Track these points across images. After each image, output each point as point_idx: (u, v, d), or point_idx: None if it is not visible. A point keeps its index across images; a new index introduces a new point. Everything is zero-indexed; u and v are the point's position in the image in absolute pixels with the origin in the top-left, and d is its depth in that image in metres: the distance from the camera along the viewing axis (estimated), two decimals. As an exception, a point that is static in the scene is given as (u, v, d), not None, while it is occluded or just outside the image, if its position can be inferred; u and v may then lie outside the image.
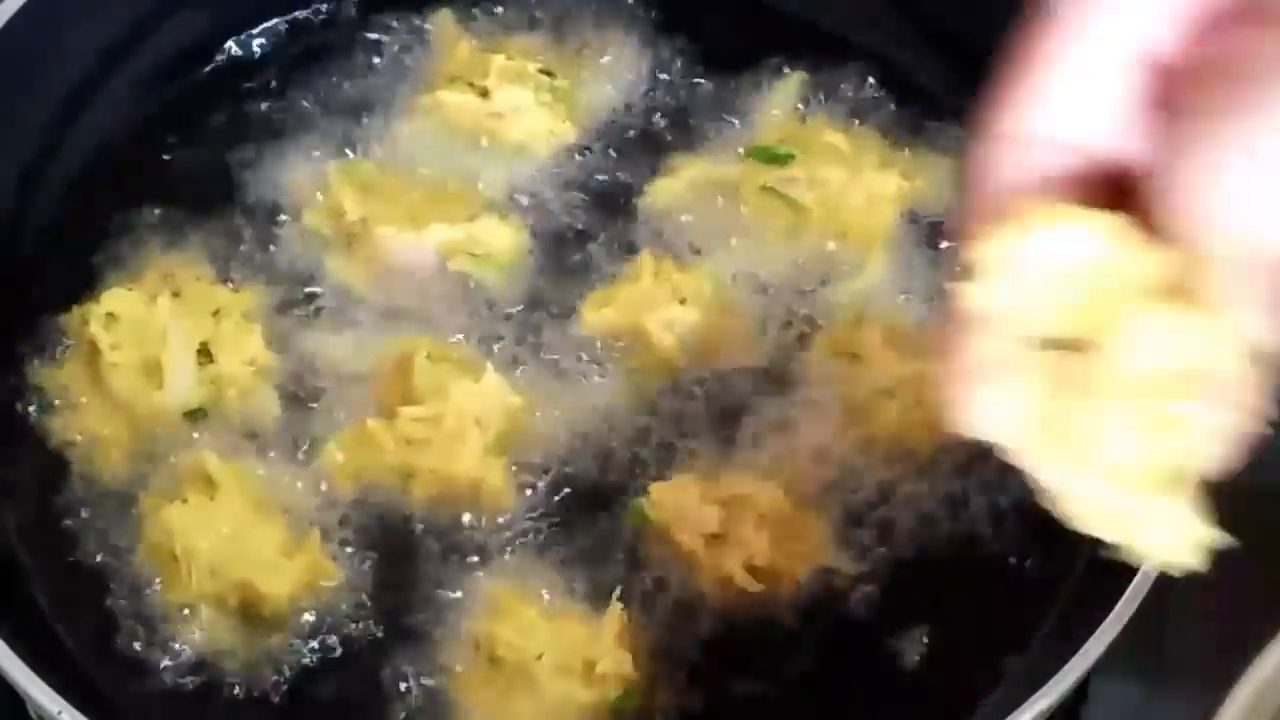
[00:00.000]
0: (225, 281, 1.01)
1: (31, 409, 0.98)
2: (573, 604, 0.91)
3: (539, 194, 1.05)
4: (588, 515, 0.94)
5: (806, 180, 1.01)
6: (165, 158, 1.07)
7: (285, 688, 0.90)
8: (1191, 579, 0.59)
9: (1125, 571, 0.83)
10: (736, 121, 1.06)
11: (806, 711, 0.90)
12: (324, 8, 1.12)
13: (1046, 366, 0.55)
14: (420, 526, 0.94)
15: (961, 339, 0.54)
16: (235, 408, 0.97)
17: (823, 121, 1.05)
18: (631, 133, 1.07)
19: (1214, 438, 0.55)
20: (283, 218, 1.04)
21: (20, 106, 1.03)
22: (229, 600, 0.91)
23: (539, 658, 0.87)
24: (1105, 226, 0.54)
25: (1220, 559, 0.58)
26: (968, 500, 0.94)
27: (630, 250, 1.02)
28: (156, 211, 1.04)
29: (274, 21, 1.11)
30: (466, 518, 0.94)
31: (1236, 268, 0.51)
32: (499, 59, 1.05)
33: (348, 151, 1.06)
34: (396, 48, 1.10)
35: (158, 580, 0.92)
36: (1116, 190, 0.54)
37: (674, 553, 0.91)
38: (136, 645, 0.91)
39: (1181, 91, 0.52)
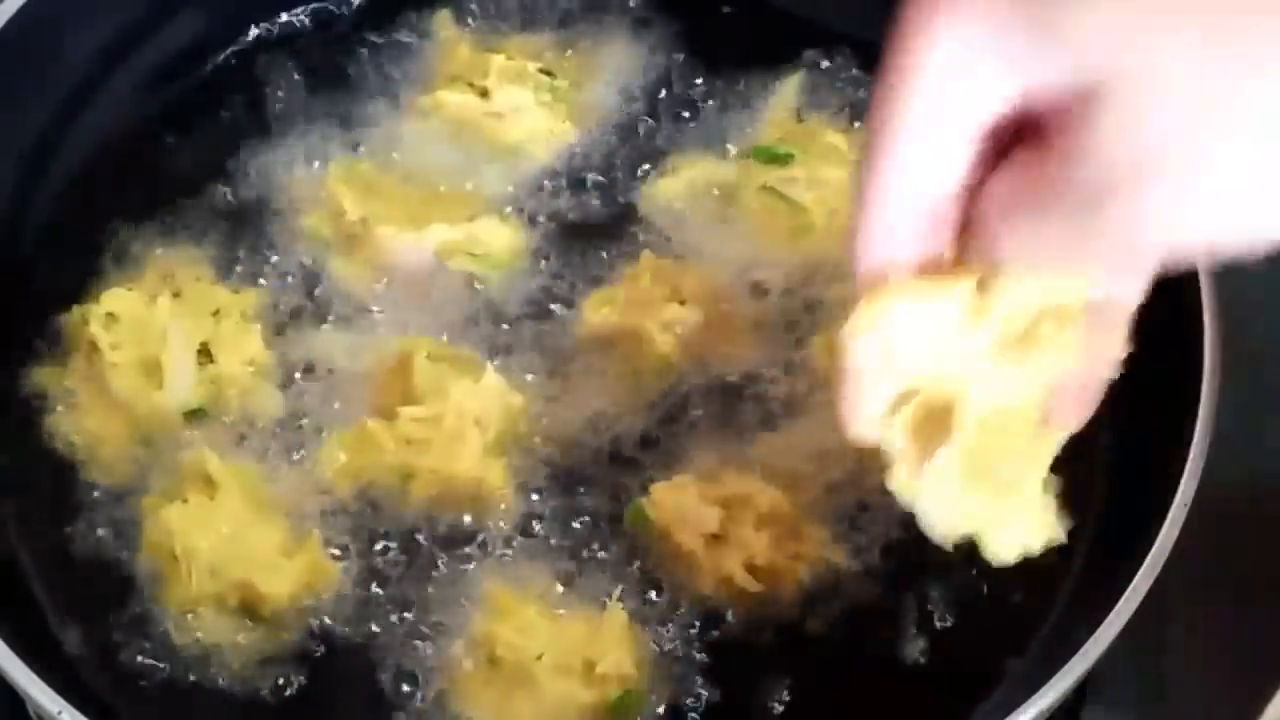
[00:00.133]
0: (225, 281, 1.01)
1: (31, 409, 0.98)
2: (573, 604, 0.91)
3: (539, 194, 1.04)
4: (588, 515, 0.94)
5: (806, 180, 1.01)
6: (165, 158, 1.07)
7: (285, 688, 0.90)
8: (1192, 579, 0.59)
9: (1125, 572, 0.83)
10: (736, 121, 1.06)
11: (807, 712, 0.90)
12: (324, 8, 1.12)
13: (913, 412, 0.68)
14: (420, 526, 0.94)
15: (846, 376, 0.67)
16: (235, 408, 0.97)
17: (823, 121, 1.05)
18: (631, 133, 1.07)
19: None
20: (283, 218, 1.04)
21: (20, 106, 1.03)
22: (229, 600, 0.91)
23: (539, 658, 0.87)
24: (954, 293, 0.65)
25: (1220, 559, 0.58)
26: (968, 500, 0.94)
27: (630, 250, 1.02)
28: (156, 211, 1.04)
29: (274, 21, 1.11)
30: (466, 518, 0.94)
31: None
32: (499, 59, 1.05)
33: (348, 151, 1.06)
34: (396, 47, 1.10)
35: (158, 580, 0.92)
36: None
37: (674, 553, 0.91)
38: (136, 645, 0.91)
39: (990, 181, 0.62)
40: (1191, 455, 0.85)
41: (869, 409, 0.68)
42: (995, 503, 0.71)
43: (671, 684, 0.90)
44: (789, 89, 1.07)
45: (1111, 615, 0.82)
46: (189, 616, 0.91)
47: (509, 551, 0.93)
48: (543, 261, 1.02)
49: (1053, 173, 0.58)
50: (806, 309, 0.99)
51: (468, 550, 0.93)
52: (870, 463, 0.94)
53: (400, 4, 1.11)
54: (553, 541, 0.94)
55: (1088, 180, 0.57)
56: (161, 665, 0.90)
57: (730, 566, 0.90)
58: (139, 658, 0.91)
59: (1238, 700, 0.93)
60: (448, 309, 1.00)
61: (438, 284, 1.01)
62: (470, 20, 1.11)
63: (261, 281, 1.01)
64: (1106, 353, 0.68)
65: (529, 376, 0.98)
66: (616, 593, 0.90)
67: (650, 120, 1.07)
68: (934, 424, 0.69)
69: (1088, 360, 0.69)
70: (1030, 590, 0.91)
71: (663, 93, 1.08)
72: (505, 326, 1.00)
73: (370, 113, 1.07)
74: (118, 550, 0.93)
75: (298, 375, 0.98)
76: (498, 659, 0.88)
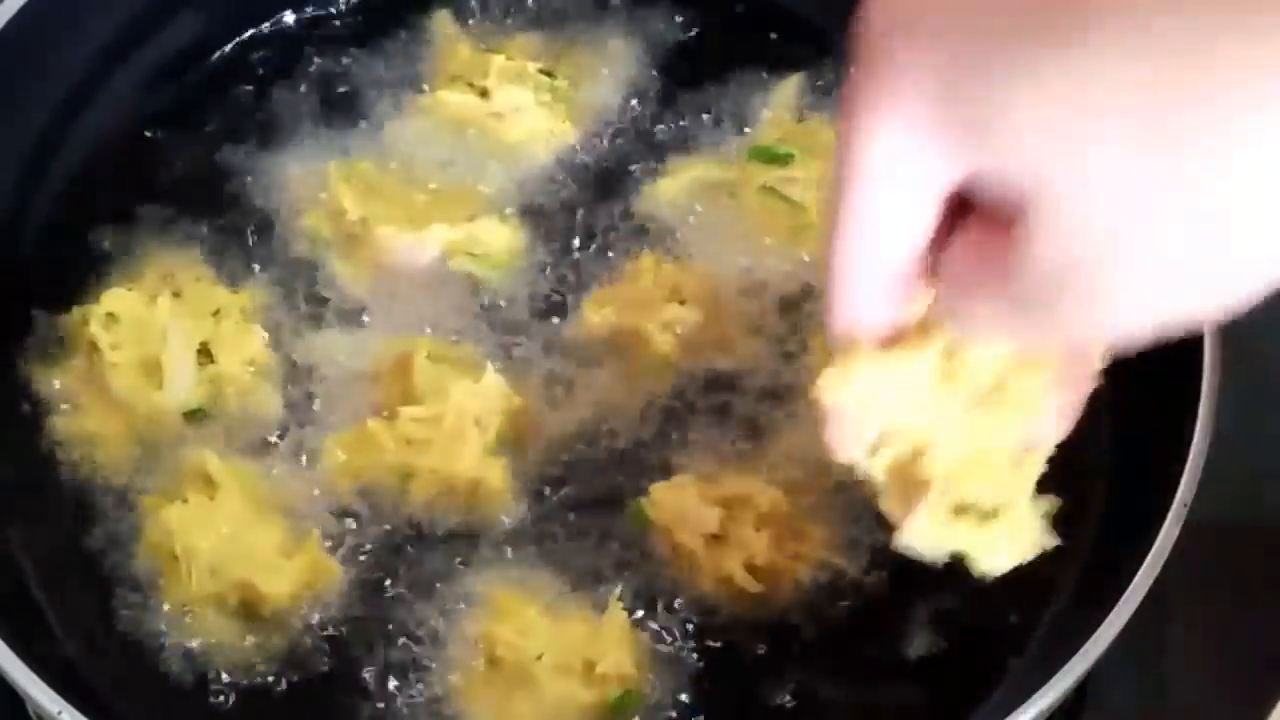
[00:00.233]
0: (225, 281, 1.01)
1: (31, 409, 0.98)
2: (573, 604, 0.91)
3: (539, 194, 1.05)
4: (588, 515, 0.94)
5: (806, 180, 1.01)
6: (165, 158, 1.07)
7: (285, 688, 0.90)
8: (1191, 579, 0.59)
9: (1125, 572, 0.83)
10: (736, 121, 1.06)
11: (807, 712, 0.90)
12: (324, 8, 1.12)
13: (893, 455, 0.70)
14: (420, 527, 0.94)
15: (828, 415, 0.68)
16: (235, 408, 0.97)
17: (822, 121, 1.05)
18: (631, 133, 1.07)
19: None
20: (283, 218, 1.04)
21: (20, 106, 1.03)
22: (229, 600, 0.91)
23: (539, 658, 0.87)
24: (921, 357, 0.66)
25: (1220, 559, 0.58)
26: (968, 500, 0.94)
27: (630, 251, 1.02)
28: (157, 211, 1.04)
29: (274, 21, 1.11)
30: (467, 518, 0.94)
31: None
32: (499, 59, 1.05)
33: (348, 152, 1.06)
34: (397, 47, 1.10)
35: (158, 580, 0.92)
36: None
37: (674, 553, 0.91)
38: (137, 645, 0.91)
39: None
40: (1191, 455, 0.85)
41: (852, 445, 0.69)
42: (980, 529, 0.71)
43: (671, 684, 0.90)
44: (789, 89, 1.07)
45: (1111, 615, 0.81)
46: (189, 616, 0.91)
47: (509, 551, 0.93)
48: (543, 261, 1.02)
49: (1002, 267, 0.58)
50: (806, 309, 0.99)
51: (468, 550, 0.93)
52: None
53: (400, 4, 1.11)
54: (553, 542, 0.94)
55: (1033, 286, 0.57)
56: (162, 665, 0.90)
57: (730, 566, 0.90)
58: (139, 658, 0.91)
59: (1238, 700, 0.93)
60: (448, 309, 1.00)
61: (437, 284, 1.01)
62: (470, 20, 1.11)
63: (262, 282, 1.01)
64: (1082, 381, 0.69)
65: (529, 377, 0.98)
66: (616, 593, 0.90)
67: (650, 120, 1.07)
68: (915, 463, 0.70)
69: (1064, 390, 0.69)
70: (1030, 590, 0.91)
71: (663, 93, 1.08)
72: (505, 326, 1.00)
73: (370, 113, 1.07)
74: (118, 550, 0.93)
75: (298, 375, 0.99)
76: (498, 659, 0.88)
